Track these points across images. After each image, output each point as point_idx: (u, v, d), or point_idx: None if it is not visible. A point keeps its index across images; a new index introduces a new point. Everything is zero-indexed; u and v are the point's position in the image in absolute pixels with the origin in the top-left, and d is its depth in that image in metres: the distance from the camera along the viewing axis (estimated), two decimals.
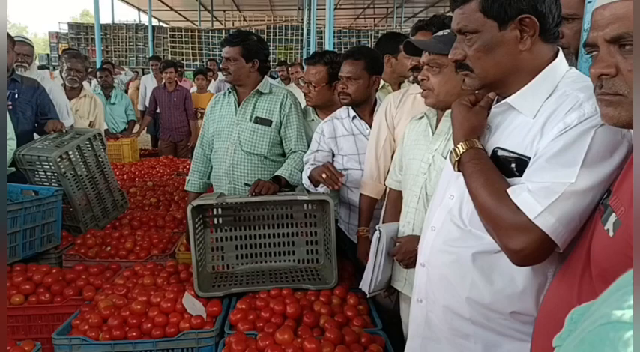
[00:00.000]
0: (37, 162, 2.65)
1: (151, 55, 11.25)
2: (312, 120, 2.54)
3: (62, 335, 1.71)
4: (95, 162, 2.85)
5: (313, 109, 2.56)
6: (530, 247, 0.94)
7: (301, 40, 11.78)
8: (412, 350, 1.29)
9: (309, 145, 2.33)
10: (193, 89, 6.48)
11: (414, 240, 1.49)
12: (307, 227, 2.18)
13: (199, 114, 5.65)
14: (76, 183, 2.70)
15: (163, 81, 5.62)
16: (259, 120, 2.39)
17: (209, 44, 12.04)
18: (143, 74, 9.47)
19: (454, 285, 1.13)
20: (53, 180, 2.69)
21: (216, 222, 2.17)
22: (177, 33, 12.25)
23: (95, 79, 6.20)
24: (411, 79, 2.06)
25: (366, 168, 2.08)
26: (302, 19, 12.58)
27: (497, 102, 1.13)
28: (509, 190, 0.98)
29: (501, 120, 1.11)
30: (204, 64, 10.05)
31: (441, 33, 1.52)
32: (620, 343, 0.36)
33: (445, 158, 1.41)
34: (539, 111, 1.03)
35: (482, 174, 1.03)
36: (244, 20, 20.34)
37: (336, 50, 6.00)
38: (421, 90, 1.56)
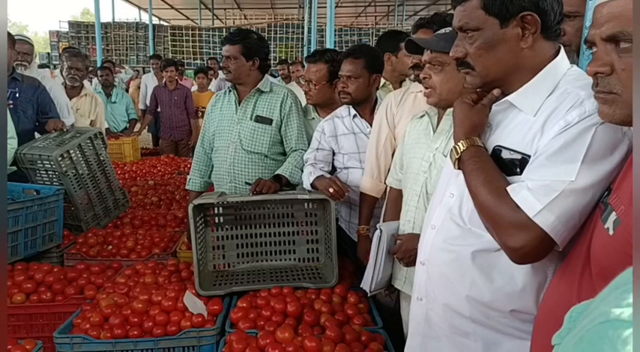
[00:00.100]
0: (39, 161, 2.66)
1: (151, 53, 11.25)
2: (313, 118, 2.54)
3: (63, 334, 1.71)
4: (96, 161, 2.86)
5: (314, 108, 2.56)
6: (529, 245, 0.94)
7: (302, 39, 11.77)
8: (412, 348, 1.29)
9: (309, 144, 2.33)
10: (194, 88, 6.48)
11: (415, 238, 1.49)
12: (308, 226, 2.18)
13: (200, 113, 5.65)
14: (77, 182, 2.71)
15: (164, 79, 5.61)
16: (260, 119, 2.39)
17: (210, 43, 12.03)
18: (144, 73, 9.46)
19: (454, 284, 1.13)
20: (54, 179, 2.69)
21: (217, 220, 2.17)
22: (177, 31, 12.25)
23: (96, 78, 6.21)
24: (412, 77, 2.06)
25: (366, 166, 2.07)
26: (303, 17, 12.58)
27: (498, 100, 1.13)
28: (509, 188, 0.98)
29: (502, 119, 1.11)
30: (205, 62, 10.06)
31: (442, 31, 1.51)
32: (619, 341, 0.35)
33: (446, 157, 1.41)
34: (540, 109, 1.02)
35: (483, 171, 1.03)
36: (245, 18, 20.34)
37: (337, 48, 5.99)
38: (422, 89, 1.56)
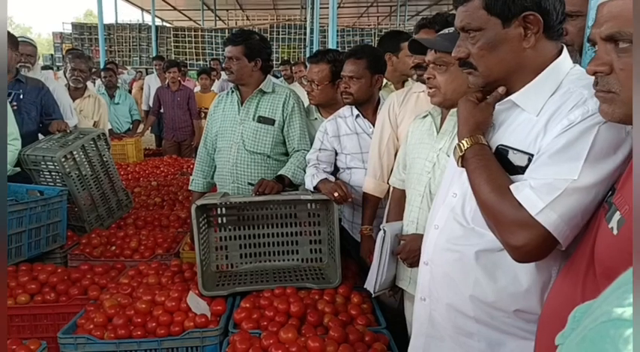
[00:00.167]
0: (42, 162, 2.66)
1: (154, 54, 11.29)
2: (315, 119, 2.54)
3: (67, 335, 1.72)
4: (99, 162, 2.87)
5: (316, 108, 2.56)
6: (531, 243, 0.93)
7: (304, 39, 11.78)
8: (416, 348, 1.29)
9: (312, 144, 2.33)
10: (197, 89, 6.49)
11: (418, 238, 1.49)
12: (311, 226, 2.18)
13: (203, 114, 5.66)
14: (80, 183, 2.72)
15: (167, 80, 5.62)
16: (262, 120, 2.39)
17: (212, 44, 12.07)
18: (147, 74, 9.48)
19: (457, 284, 1.13)
20: (58, 180, 2.70)
21: (220, 221, 2.17)
22: (180, 32, 12.29)
23: (99, 79, 6.22)
24: (415, 77, 2.06)
25: (369, 167, 2.07)
26: (305, 18, 12.59)
27: (502, 99, 1.13)
28: (511, 186, 0.98)
29: (505, 118, 1.11)
30: (208, 63, 10.07)
31: (446, 30, 1.51)
32: (621, 340, 0.36)
33: (449, 157, 1.41)
34: (543, 108, 1.02)
35: (486, 170, 1.03)
36: (247, 19, 20.36)
37: (339, 49, 6.00)
38: (424, 89, 1.56)
